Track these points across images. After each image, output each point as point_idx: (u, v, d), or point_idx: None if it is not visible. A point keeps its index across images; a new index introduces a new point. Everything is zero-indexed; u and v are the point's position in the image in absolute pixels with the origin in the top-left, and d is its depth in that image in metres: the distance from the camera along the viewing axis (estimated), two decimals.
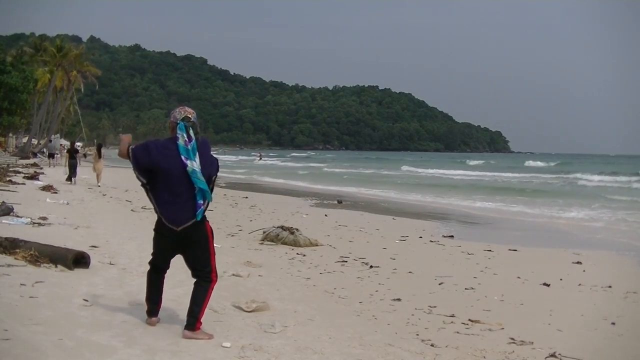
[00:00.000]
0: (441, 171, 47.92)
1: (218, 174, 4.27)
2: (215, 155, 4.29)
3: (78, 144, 41.46)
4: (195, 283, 4.20)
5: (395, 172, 48.00)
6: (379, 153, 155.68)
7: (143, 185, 4.09)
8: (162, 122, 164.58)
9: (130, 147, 4.04)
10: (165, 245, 4.18)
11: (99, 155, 20.66)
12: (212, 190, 4.13)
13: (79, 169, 20.75)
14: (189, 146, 3.98)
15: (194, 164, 3.96)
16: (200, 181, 3.97)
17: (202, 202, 4.01)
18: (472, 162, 70.06)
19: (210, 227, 4.21)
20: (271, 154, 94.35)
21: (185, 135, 4.00)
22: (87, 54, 56.42)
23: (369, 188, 28.11)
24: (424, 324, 5.32)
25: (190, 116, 4.05)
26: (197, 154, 4.00)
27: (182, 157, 3.96)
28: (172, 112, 4.18)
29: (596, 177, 37.08)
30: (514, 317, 5.70)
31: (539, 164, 63.22)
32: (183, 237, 4.06)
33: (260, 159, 71.07)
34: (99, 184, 19.57)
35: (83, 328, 4.05)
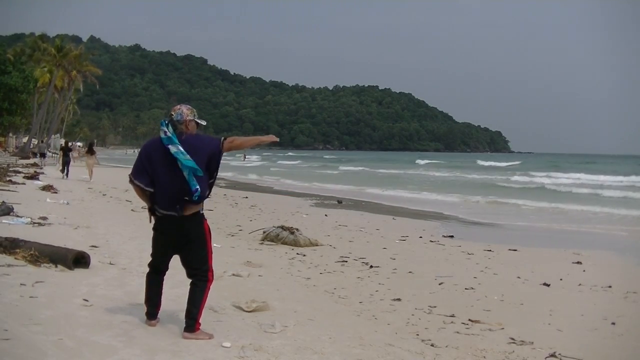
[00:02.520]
0: (381, 170, 51.00)
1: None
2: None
3: (78, 144, 41.85)
4: (192, 284, 4.19)
5: (330, 171, 50.79)
6: (374, 153, 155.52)
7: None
8: None
9: (129, 175, 4.13)
10: (165, 243, 4.19)
11: (91, 152, 22.61)
12: (216, 175, 4.13)
13: (72, 168, 22.79)
14: (167, 135, 4.03)
15: (177, 147, 3.97)
16: (187, 160, 3.95)
17: (197, 187, 3.98)
18: (421, 162, 72.15)
19: (208, 226, 4.21)
20: (255, 156, 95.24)
21: (164, 129, 4.06)
22: (87, 53, 56.34)
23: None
24: (424, 324, 5.32)
25: (172, 113, 4.12)
26: (177, 141, 4.00)
27: (165, 145, 4.01)
28: None
29: (518, 178, 37.51)
30: (514, 317, 5.70)
31: (492, 163, 64.65)
32: (180, 230, 4.06)
33: (244, 159, 71.34)
34: (91, 179, 21.12)
35: (83, 328, 4.05)
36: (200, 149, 4.03)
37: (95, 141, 32.88)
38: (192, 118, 4.11)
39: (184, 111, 4.10)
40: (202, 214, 4.15)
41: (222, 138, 4.16)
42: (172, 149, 3.98)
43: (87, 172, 21.78)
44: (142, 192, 4.15)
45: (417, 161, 73.45)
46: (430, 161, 74.01)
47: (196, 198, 3.99)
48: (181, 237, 4.10)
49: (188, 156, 3.96)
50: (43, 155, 34.46)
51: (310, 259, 8.37)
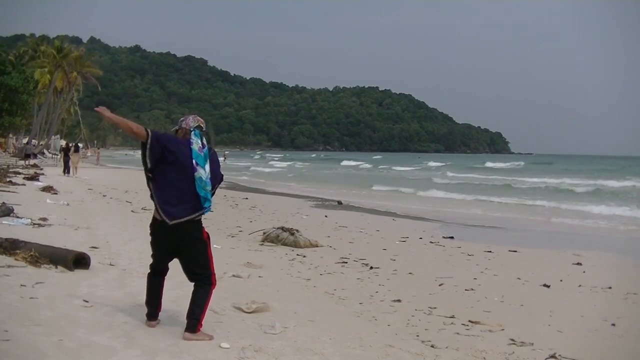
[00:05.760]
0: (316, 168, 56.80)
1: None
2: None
3: (79, 145, 42.33)
4: (196, 285, 4.20)
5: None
6: (370, 154, 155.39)
7: (147, 171, 4.06)
8: (163, 123, 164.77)
9: (150, 129, 4.06)
10: (160, 246, 4.21)
11: (76, 151, 27.41)
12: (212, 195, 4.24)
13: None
14: (201, 153, 4.06)
15: (202, 172, 4.03)
16: (203, 190, 4.04)
17: (207, 206, 4.10)
18: (345, 163, 73.09)
19: (207, 233, 4.23)
20: (234, 156, 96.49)
21: (199, 142, 4.08)
22: (88, 55, 56.28)
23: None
24: (424, 325, 5.32)
25: (202, 125, 4.17)
26: (207, 162, 4.08)
27: (194, 162, 4.02)
28: (184, 118, 4.23)
29: (442, 180, 37.98)
30: (514, 318, 5.70)
31: (435, 164, 66.21)
32: (176, 236, 4.07)
33: (225, 159, 72.07)
34: (76, 174, 25.13)
35: (83, 329, 4.05)
36: (215, 176, 4.16)
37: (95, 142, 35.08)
38: None
39: (205, 126, 4.20)
40: (199, 220, 4.16)
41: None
42: (198, 172, 4.01)
43: (72, 168, 25.79)
44: (132, 133, 4.01)
45: (342, 162, 74.47)
46: (357, 162, 74.94)
47: (205, 212, 4.12)
48: (177, 240, 4.10)
49: (208, 187, 4.04)
50: (28, 156, 34.80)
51: (310, 260, 8.37)
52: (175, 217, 4.01)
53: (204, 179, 4.03)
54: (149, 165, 4.02)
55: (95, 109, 4.18)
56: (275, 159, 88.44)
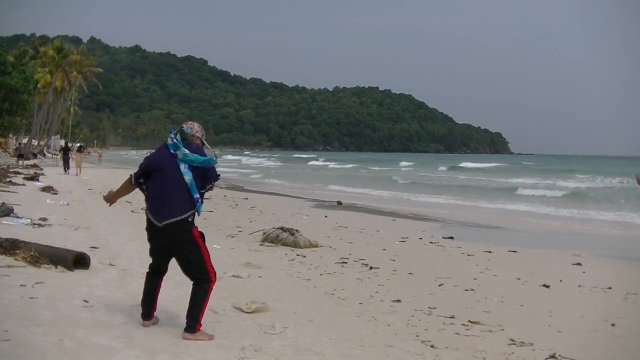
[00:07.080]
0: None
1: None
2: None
3: (81, 145, 42.78)
4: (194, 284, 4.21)
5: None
6: (371, 154, 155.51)
7: (138, 187, 4.36)
8: (163, 123, 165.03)
9: (132, 175, 4.35)
10: (154, 245, 4.27)
11: (79, 150, 29.37)
12: (207, 190, 4.32)
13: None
14: (173, 141, 4.20)
15: (183, 150, 4.14)
16: (195, 157, 4.12)
17: (197, 195, 4.16)
18: (314, 163, 74.85)
19: (199, 232, 4.24)
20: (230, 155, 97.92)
21: (172, 135, 4.25)
22: (88, 55, 56.28)
23: None
24: (424, 325, 5.32)
25: (184, 126, 4.32)
26: (181, 145, 4.18)
27: (171, 151, 4.17)
28: None
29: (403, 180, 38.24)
30: (514, 319, 5.70)
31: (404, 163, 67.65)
32: (167, 236, 4.13)
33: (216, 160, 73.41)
34: (79, 174, 25.94)
35: (83, 329, 4.06)
36: (201, 150, 4.24)
37: (82, 144, 36.34)
38: (199, 135, 4.30)
39: (195, 127, 4.31)
40: (191, 221, 4.18)
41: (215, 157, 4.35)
42: (180, 153, 4.14)
43: (75, 167, 26.84)
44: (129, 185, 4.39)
45: (310, 163, 75.80)
46: (320, 162, 76.24)
47: (198, 207, 4.17)
48: (168, 240, 4.15)
49: (196, 155, 4.14)
50: (22, 156, 34.87)
51: (310, 260, 8.37)
52: (164, 219, 4.10)
53: (188, 153, 4.12)
54: (141, 181, 4.32)
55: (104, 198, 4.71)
56: (259, 158, 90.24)
